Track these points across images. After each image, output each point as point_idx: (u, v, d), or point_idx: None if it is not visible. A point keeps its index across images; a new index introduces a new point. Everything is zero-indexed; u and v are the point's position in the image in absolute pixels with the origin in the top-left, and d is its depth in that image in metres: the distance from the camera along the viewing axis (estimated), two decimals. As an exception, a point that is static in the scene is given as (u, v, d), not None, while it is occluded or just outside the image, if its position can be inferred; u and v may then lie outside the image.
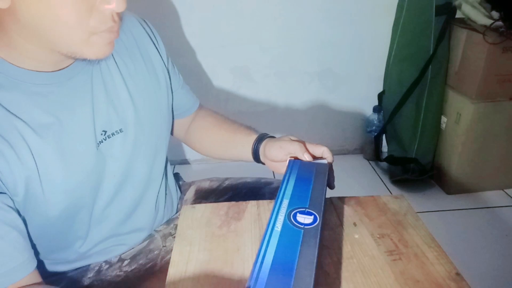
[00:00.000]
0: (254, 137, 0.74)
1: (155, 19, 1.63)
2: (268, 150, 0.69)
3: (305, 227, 0.48)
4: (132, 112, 0.64)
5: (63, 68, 0.56)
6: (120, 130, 0.63)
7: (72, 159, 0.57)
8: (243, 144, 0.75)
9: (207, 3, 1.62)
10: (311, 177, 0.59)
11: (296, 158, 0.66)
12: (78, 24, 0.47)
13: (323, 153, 0.66)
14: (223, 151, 0.80)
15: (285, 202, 0.52)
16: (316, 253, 0.43)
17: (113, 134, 0.62)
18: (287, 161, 0.65)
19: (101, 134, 0.61)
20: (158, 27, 1.78)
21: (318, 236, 0.46)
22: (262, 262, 0.42)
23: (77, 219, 0.63)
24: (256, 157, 0.73)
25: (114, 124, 0.62)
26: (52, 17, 0.45)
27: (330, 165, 0.66)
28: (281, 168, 0.69)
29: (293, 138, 0.69)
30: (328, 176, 0.62)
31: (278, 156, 0.67)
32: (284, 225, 0.48)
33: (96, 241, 0.68)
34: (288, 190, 0.55)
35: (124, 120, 0.63)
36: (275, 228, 0.47)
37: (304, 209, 0.51)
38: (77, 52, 0.51)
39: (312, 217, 0.49)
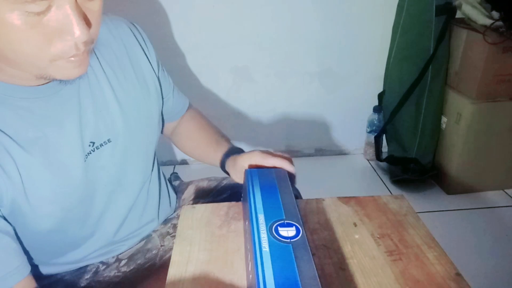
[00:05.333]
0: (222, 152, 0.76)
1: (155, 19, 1.64)
2: (232, 175, 0.73)
3: (292, 240, 0.46)
4: (121, 122, 0.64)
5: (49, 82, 0.55)
6: (108, 140, 0.62)
7: (59, 171, 0.56)
8: (213, 159, 0.78)
9: (207, 3, 1.62)
10: (275, 185, 0.58)
11: (252, 167, 0.66)
12: (38, 54, 0.46)
13: (280, 164, 0.66)
14: (201, 157, 0.84)
15: (261, 217, 0.50)
16: (315, 267, 0.43)
17: (101, 145, 0.62)
18: (244, 172, 0.63)
19: (89, 146, 0.60)
20: (157, 27, 1.78)
21: (309, 248, 0.45)
22: None
23: (70, 232, 0.62)
24: (223, 169, 0.76)
25: (102, 135, 0.62)
26: (13, 50, 0.45)
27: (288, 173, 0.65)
28: None
29: (244, 161, 0.69)
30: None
31: (239, 180, 0.70)
32: (270, 243, 0.46)
33: (91, 251, 0.68)
34: (258, 204, 0.53)
35: (112, 130, 0.63)
36: (263, 249, 0.45)
37: (283, 221, 0.50)
38: (46, 75, 0.50)
39: (293, 228, 0.48)
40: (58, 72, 0.49)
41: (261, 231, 0.48)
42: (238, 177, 0.71)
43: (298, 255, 0.44)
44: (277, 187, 0.57)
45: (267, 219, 0.50)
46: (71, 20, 0.44)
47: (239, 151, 0.75)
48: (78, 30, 0.44)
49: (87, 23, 0.46)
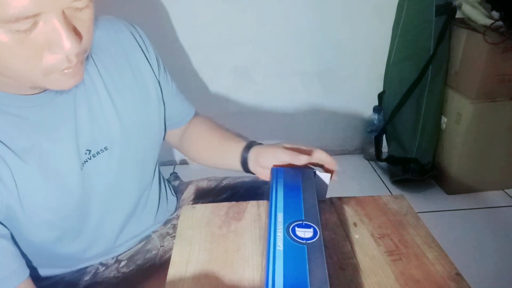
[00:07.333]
0: (242, 145, 0.70)
1: (155, 19, 1.65)
2: (262, 157, 0.65)
3: (307, 242, 0.46)
4: (118, 129, 0.63)
5: (44, 91, 0.54)
6: (105, 148, 0.61)
7: (54, 179, 0.55)
8: (232, 153, 0.71)
9: (207, 3, 1.62)
10: (299, 185, 0.57)
11: (279, 166, 0.64)
12: (29, 69, 0.45)
13: (329, 162, 0.63)
14: (214, 160, 0.77)
15: (280, 216, 0.50)
16: (326, 271, 0.42)
17: (98, 153, 0.61)
18: (270, 170, 0.62)
19: (85, 154, 0.59)
20: (157, 27, 1.78)
21: (323, 251, 0.45)
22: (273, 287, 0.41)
23: (67, 241, 0.62)
24: (244, 165, 0.69)
25: (98, 142, 0.61)
26: (3, 66, 0.44)
27: (332, 168, 0.64)
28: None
29: (286, 145, 0.66)
30: (331, 174, 0.61)
31: (272, 164, 0.64)
32: (285, 242, 0.46)
33: (90, 256, 0.68)
34: (279, 202, 0.53)
35: (109, 137, 0.62)
36: (277, 248, 0.45)
37: (301, 222, 0.49)
38: (40, 87, 0.49)
39: (311, 229, 0.48)
40: (53, 84, 0.49)
41: (278, 230, 0.48)
42: (273, 156, 0.64)
43: (311, 257, 0.44)
44: (301, 188, 0.57)
45: (285, 218, 0.50)
46: (59, 34, 0.43)
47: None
48: (68, 44, 0.43)
49: (77, 34, 0.45)
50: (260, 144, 0.70)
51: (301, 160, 0.62)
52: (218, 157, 0.76)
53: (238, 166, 0.71)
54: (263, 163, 0.65)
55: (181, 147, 0.83)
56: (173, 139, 0.83)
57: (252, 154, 0.68)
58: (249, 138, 0.74)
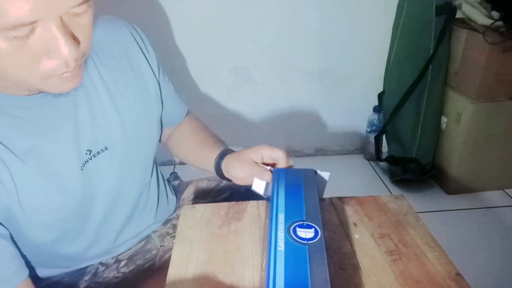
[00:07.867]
0: (216, 154, 0.72)
1: (155, 19, 1.64)
2: (232, 170, 0.68)
3: (309, 242, 0.46)
4: (119, 130, 0.63)
5: (44, 91, 0.53)
6: (105, 148, 0.61)
7: (54, 181, 0.55)
8: (208, 159, 0.73)
9: (207, 3, 1.62)
10: (301, 185, 0.58)
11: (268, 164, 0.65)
12: (28, 75, 0.45)
13: (278, 158, 0.65)
14: (194, 161, 0.80)
15: (281, 217, 0.50)
16: (327, 271, 0.42)
17: (98, 152, 0.61)
18: (272, 171, 0.63)
19: (86, 154, 0.59)
20: (157, 26, 1.78)
21: (325, 251, 0.45)
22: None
23: (66, 242, 0.62)
24: (219, 173, 0.72)
25: (99, 142, 0.61)
26: (2, 71, 0.44)
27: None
28: (248, 183, 0.67)
29: (251, 153, 0.66)
30: None
31: (241, 176, 0.66)
32: (286, 243, 0.46)
33: (90, 256, 0.68)
34: (280, 203, 0.53)
35: (110, 138, 0.62)
36: (278, 248, 0.45)
37: (302, 222, 0.49)
38: (39, 90, 0.49)
39: (312, 230, 0.48)
40: (51, 88, 0.49)
41: (279, 230, 0.48)
42: (241, 170, 0.66)
43: (312, 257, 0.44)
44: (302, 188, 0.57)
45: (287, 219, 0.50)
46: (57, 40, 0.43)
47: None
48: (66, 50, 0.43)
49: (75, 39, 0.45)
50: (233, 152, 0.72)
51: (266, 178, 0.64)
52: (196, 161, 0.79)
53: (213, 172, 0.73)
54: (233, 175, 0.68)
55: (168, 144, 0.85)
56: (164, 137, 0.84)
57: (224, 165, 0.70)
58: (226, 144, 0.77)
